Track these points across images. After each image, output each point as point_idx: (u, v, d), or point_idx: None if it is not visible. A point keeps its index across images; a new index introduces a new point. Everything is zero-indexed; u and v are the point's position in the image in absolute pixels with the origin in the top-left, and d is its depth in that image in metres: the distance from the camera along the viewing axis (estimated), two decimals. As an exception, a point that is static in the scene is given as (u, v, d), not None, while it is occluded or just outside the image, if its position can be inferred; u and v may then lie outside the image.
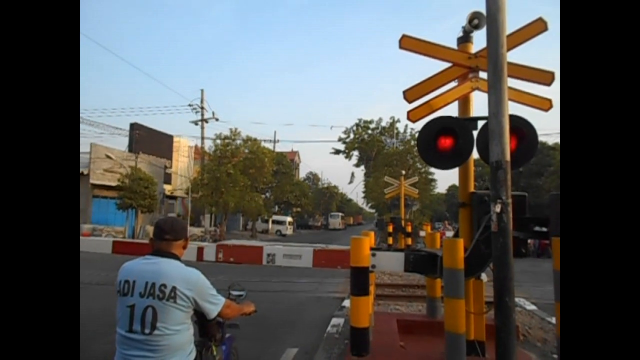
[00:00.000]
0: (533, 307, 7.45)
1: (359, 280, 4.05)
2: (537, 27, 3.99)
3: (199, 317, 2.07)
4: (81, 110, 25.42)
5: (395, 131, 45.11)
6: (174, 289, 1.79)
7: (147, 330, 1.75)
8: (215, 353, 2.34)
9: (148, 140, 29.06)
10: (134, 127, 28.68)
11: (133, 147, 27.99)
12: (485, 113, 3.22)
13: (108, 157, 24.51)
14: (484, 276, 4.23)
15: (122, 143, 29.36)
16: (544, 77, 4.00)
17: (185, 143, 34.25)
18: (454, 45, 4.30)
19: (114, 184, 23.62)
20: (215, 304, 1.94)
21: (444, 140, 3.97)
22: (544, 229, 3.95)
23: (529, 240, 4.98)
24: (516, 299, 7.42)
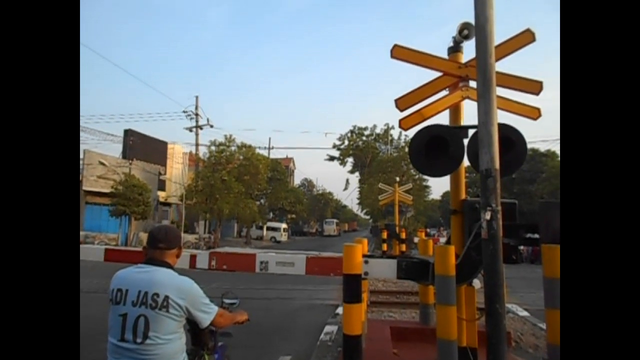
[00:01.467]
0: (525, 314, 7.49)
1: (351, 288, 4.05)
2: (525, 38, 4.07)
3: (192, 325, 2.08)
4: (74, 117, 25.25)
5: (390, 138, 45.34)
6: (166, 298, 1.79)
7: (139, 340, 1.75)
8: (207, 362, 2.34)
9: (142, 147, 28.94)
10: (127, 133, 28.57)
11: (127, 154, 27.86)
12: (475, 121, 3.27)
13: (101, 163, 24.39)
14: (477, 283, 4.26)
15: (115, 149, 29.23)
16: (532, 87, 4.07)
17: (179, 150, 34.16)
18: (445, 54, 4.37)
19: (107, 190, 23.46)
20: (208, 313, 1.94)
21: (435, 148, 4.01)
22: (535, 236, 4.00)
23: (522, 247, 5.02)
24: (508, 305, 7.47)
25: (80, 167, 24.24)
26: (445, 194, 49.38)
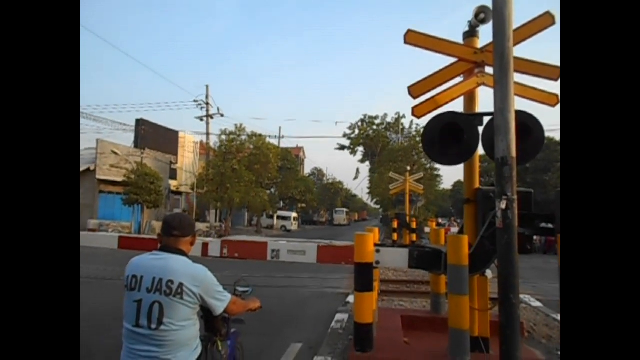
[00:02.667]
0: (538, 304, 7.43)
1: (363, 276, 4.05)
2: (545, 21, 3.94)
3: (205, 312, 2.09)
4: (87, 106, 25.63)
5: (401, 127, 44.91)
6: (181, 285, 1.80)
7: (153, 326, 1.77)
8: (220, 348, 2.36)
9: (153, 136, 29.16)
10: (139, 123, 28.80)
11: (139, 143, 28.12)
12: (491, 109, 3.19)
13: (114, 152, 24.65)
14: (489, 272, 4.22)
15: (127, 139, 29.58)
16: (550, 72, 3.95)
17: (190, 139, 34.34)
18: (459, 40, 4.26)
19: (119, 179, 23.77)
20: (221, 301, 1.95)
21: (449, 136, 3.94)
22: (550, 226, 3.93)
23: (535, 237, 4.95)
24: (521, 296, 7.39)
25: (93, 156, 24.57)
26: (456, 184, 48.94)
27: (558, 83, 3.96)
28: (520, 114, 3.50)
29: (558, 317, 6.10)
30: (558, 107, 4.09)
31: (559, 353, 4.80)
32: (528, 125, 3.76)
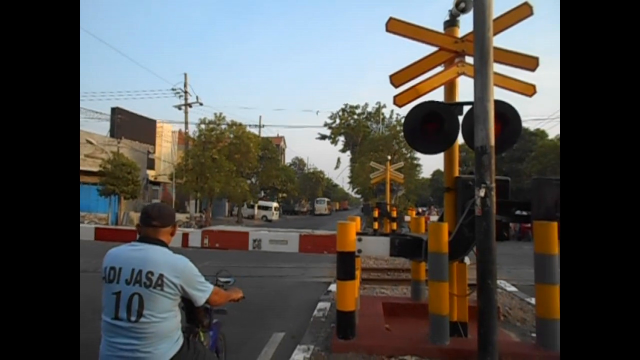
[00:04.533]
0: (513, 289, 7.66)
1: (345, 265, 4.08)
2: (523, 11, 3.99)
3: (187, 303, 2.06)
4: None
5: (381, 116, 45.16)
6: (161, 276, 1.76)
7: (133, 318, 1.73)
8: (202, 339, 2.34)
9: (130, 125, 28.43)
10: (115, 111, 27.99)
11: (115, 132, 27.37)
12: (471, 98, 3.23)
13: (89, 142, 23.93)
14: (467, 259, 4.32)
15: (103, 128, 28.73)
16: (529, 63, 4.03)
17: (168, 128, 33.63)
18: (441, 29, 4.28)
19: (95, 169, 23.11)
20: (203, 292, 1.92)
21: (430, 125, 3.98)
22: (525, 213, 4.04)
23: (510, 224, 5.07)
24: (497, 281, 7.60)
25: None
26: (435, 173, 49.74)
27: (536, 73, 4.05)
28: (498, 104, 3.56)
29: (532, 300, 6.32)
30: (536, 97, 4.18)
31: (533, 335, 4.99)
32: (506, 114, 3.83)
